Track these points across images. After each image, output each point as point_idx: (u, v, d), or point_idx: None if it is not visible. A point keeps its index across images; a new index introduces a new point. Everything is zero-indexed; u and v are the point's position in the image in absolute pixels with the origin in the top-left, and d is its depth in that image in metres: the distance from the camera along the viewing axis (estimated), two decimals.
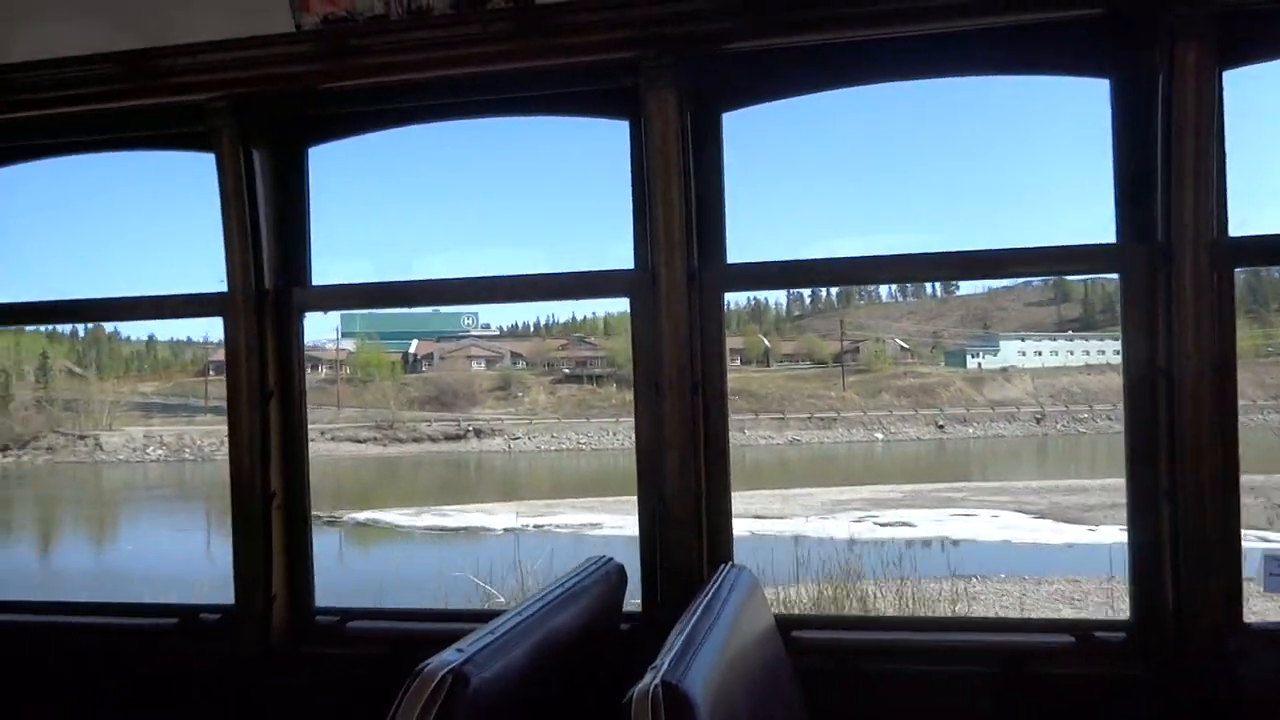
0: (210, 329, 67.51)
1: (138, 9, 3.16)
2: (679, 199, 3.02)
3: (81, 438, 47.89)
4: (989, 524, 22.98)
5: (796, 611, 10.19)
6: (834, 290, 59.60)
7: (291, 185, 3.48)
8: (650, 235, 3.07)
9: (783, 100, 3.19)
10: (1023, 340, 56.00)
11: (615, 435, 44.87)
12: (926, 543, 18.47)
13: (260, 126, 3.36)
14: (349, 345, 53.75)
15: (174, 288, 3.58)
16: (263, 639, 3.36)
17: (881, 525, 22.00)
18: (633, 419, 3.27)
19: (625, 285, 3.21)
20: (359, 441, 46.84)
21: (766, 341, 57.74)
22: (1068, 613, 12.85)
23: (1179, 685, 2.76)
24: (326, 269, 3.53)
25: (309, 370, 3.71)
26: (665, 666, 1.76)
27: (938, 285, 62.53)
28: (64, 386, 52.31)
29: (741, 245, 3.17)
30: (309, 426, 3.54)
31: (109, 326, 54.16)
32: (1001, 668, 2.91)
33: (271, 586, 3.37)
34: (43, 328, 49.31)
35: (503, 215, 70.76)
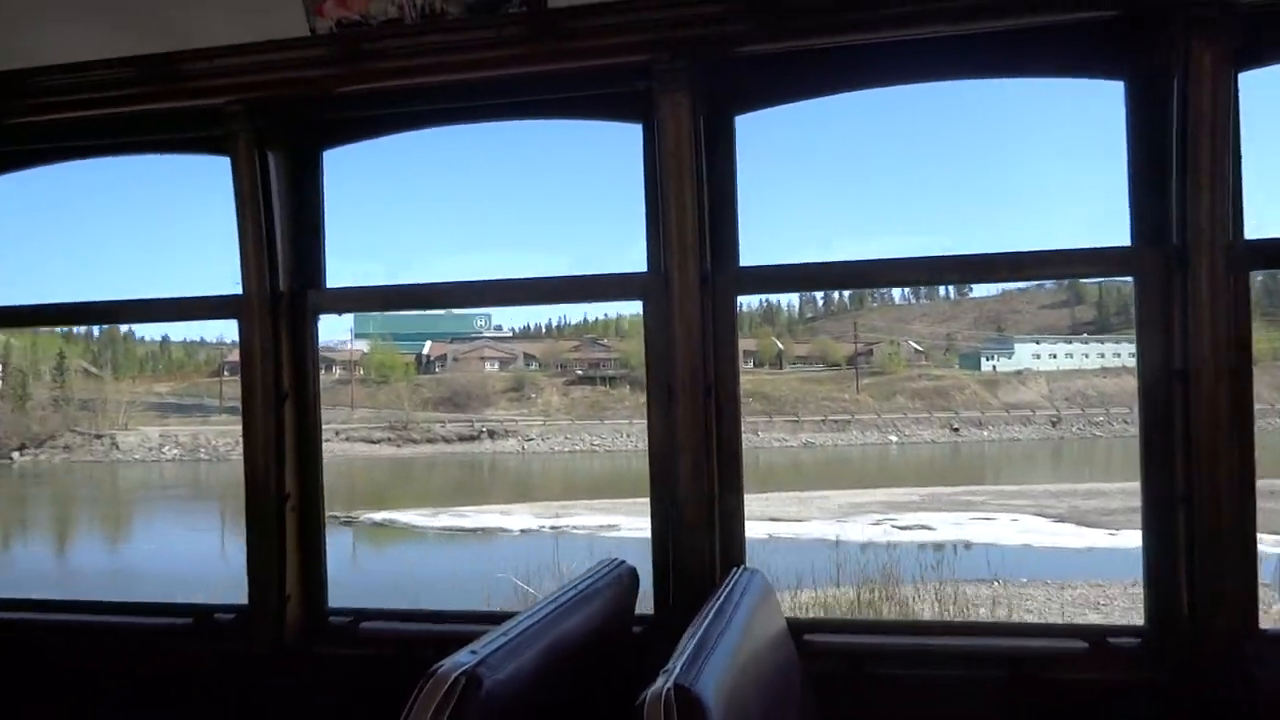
0: (225, 330, 67.99)
1: (156, 14, 3.18)
2: (691, 202, 3.02)
3: (98, 437, 48.22)
4: (1009, 528, 22.90)
5: (838, 615, 10.23)
6: (847, 292, 59.46)
7: (306, 188, 3.50)
8: (663, 238, 3.07)
9: (795, 103, 3.19)
10: (1037, 343, 55.79)
11: (629, 437, 44.85)
12: (939, 546, 18.41)
13: (275, 130, 3.38)
14: (362, 346, 53.96)
15: (189, 290, 3.60)
16: (276, 639, 3.37)
17: (900, 528, 21.94)
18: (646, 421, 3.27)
19: (638, 288, 3.22)
20: (373, 442, 46.99)
21: (780, 343, 57.70)
22: (1094, 618, 12.83)
23: (1194, 691, 2.74)
24: (341, 271, 3.56)
25: (322, 371, 3.72)
26: (678, 670, 1.76)
27: (951, 287, 62.35)
28: (80, 386, 52.68)
29: (754, 248, 3.17)
30: (323, 427, 3.56)
31: (124, 327, 54.51)
32: (1014, 673, 2.90)
33: (285, 587, 3.38)
34: (59, 327, 49.61)
35: (515, 218, 71.05)
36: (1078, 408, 49.29)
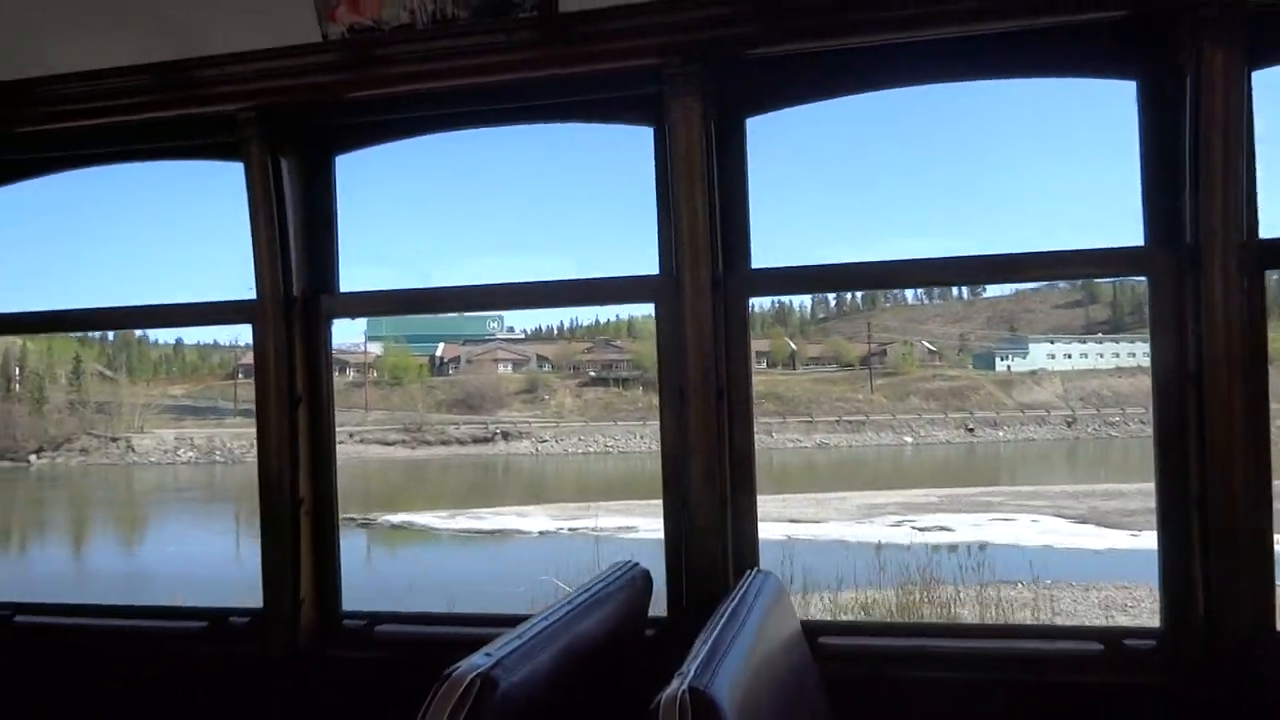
0: (239, 332, 68.28)
1: (169, 21, 3.20)
2: (703, 204, 3.02)
3: (114, 440, 48.56)
4: (1029, 529, 22.77)
5: (875, 617, 10.17)
6: (859, 293, 59.32)
7: (319, 193, 3.51)
8: (674, 241, 3.07)
9: (806, 105, 3.19)
10: (1051, 343, 55.58)
11: (642, 438, 44.89)
12: (953, 547, 18.34)
13: (288, 135, 3.39)
14: (376, 348, 54.15)
15: (203, 294, 3.62)
16: (290, 642, 3.38)
17: (919, 530, 21.83)
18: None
19: (650, 291, 3.22)
20: (387, 444, 47.17)
21: (792, 344, 57.61)
22: (1123, 620, 12.75)
23: (1209, 693, 2.72)
24: (354, 276, 3.57)
25: (336, 373, 3.73)
26: (692, 672, 1.76)
27: (964, 287, 62.17)
28: (96, 389, 53.05)
29: (765, 250, 3.17)
30: (337, 429, 3.58)
31: (138, 331, 54.80)
32: (1029, 675, 2.89)
33: (300, 590, 3.39)
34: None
35: (527, 221, 71.23)
36: (1093, 408, 49.09)
